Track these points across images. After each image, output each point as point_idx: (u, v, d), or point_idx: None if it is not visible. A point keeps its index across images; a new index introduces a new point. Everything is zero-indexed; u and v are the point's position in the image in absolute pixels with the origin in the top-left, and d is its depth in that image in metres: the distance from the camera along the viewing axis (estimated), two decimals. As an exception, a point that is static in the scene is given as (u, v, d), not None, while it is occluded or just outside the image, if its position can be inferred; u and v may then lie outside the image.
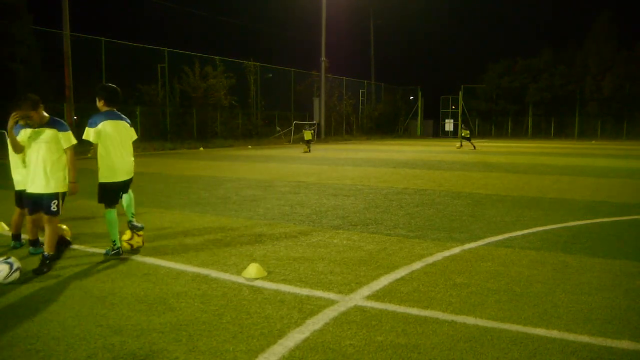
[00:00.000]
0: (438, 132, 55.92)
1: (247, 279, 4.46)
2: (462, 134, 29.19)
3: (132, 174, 5.55)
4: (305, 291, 4.17)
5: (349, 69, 56.65)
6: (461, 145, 28.83)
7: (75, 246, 5.66)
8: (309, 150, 24.44)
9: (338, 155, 22.21)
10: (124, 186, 5.48)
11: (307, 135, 25.46)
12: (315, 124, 39.29)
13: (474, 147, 28.28)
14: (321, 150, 26.43)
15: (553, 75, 48.36)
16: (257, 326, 3.46)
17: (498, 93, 51.69)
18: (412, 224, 6.90)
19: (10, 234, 5.86)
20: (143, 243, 5.62)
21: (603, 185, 11.51)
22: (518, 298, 4.03)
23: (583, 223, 7.02)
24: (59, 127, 5.00)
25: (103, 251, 5.39)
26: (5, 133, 4.92)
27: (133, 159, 5.56)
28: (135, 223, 5.58)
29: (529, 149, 28.82)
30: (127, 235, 5.53)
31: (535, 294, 4.11)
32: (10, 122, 4.80)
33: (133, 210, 5.69)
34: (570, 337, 3.31)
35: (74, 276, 4.59)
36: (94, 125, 5.19)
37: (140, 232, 5.62)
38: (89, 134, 5.21)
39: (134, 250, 5.44)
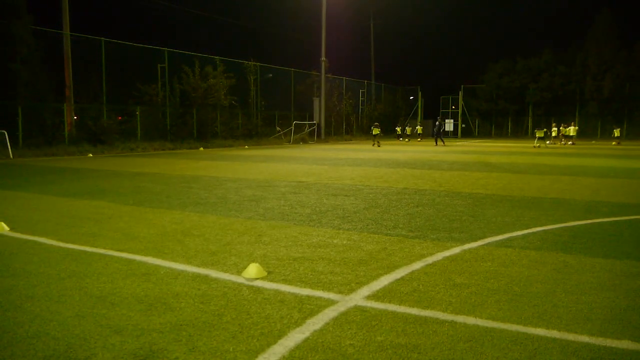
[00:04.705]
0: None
1: (247, 279, 4.46)
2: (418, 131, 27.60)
3: None
4: (305, 291, 4.17)
5: (349, 69, 56.78)
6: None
7: (74, 246, 5.66)
8: None
9: (338, 155, 22.21)
10: None
11: None
12: (315, 123, 39.31)
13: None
14: (321, 150, 26.42)
15: (553, 75, 48.37)
16: (257, 326, 3.46)
17: (498, 93, 51.68)
18: (412, 224, 6.90)
19: (10, 233, 5.86)
20: None
21: (603, 185, 11.51)
22: (518, 298, 4.03)
23: (583, 223, 7.02)
24: None
25: (103, 251, 5.39)
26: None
27: None
28: None
29: (529, 149, 28.81)
30: None
31: (535, 294, 4.11)
32: None
33: None
34: (570, 337, 3.30)
35: (74, 276, 4.59)
36: None
37: None
38: None
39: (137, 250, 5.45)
